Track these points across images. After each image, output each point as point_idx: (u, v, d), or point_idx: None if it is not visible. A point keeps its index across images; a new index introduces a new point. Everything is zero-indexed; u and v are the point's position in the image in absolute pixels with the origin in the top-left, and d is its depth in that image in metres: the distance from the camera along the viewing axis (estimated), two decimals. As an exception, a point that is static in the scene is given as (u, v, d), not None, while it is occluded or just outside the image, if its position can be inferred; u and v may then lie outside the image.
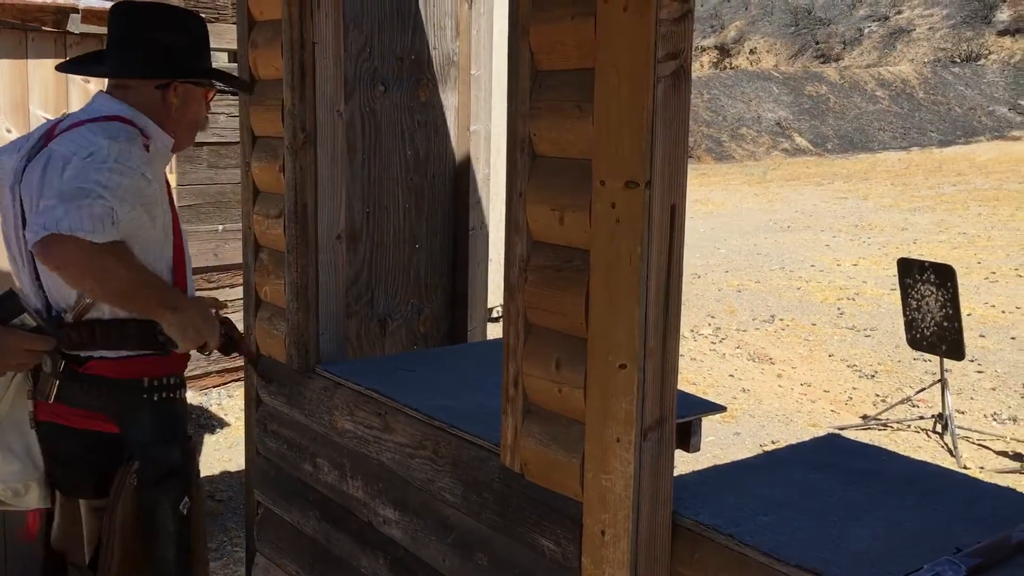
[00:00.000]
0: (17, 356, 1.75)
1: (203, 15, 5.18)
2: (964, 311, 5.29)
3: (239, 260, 4.79)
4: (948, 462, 4.99)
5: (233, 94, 2.31)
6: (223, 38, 5.40)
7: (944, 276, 5.15)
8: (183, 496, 2.07)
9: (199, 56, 2.14)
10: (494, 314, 6.24)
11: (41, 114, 3.39)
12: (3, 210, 2.08)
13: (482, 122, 3.39)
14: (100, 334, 1.97)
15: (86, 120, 2.00)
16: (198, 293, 5.59)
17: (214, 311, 2.14)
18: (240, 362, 5.60)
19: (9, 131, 3.40)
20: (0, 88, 3.37)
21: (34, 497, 2.13)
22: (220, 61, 5.62)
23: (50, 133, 2.03)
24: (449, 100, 3.31)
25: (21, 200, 2.01)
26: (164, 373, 2.07)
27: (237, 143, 4.52)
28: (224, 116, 5.43)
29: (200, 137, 5.65)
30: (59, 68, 2.34)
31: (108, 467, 2.03)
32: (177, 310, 1.99)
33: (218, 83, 2.24)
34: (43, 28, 3.43)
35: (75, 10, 3.41)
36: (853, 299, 8.55)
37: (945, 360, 5.30)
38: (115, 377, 2.02)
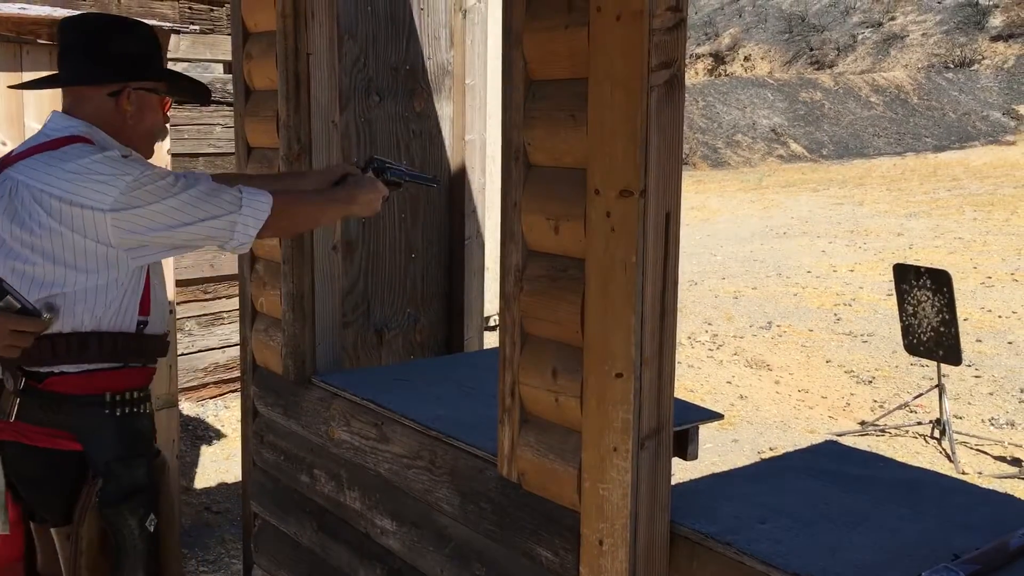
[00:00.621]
0: (3, 338, 1.71)
1: (198, 26, 5.19)
2: (961, 316, 5.30)
3: (235, 271, 4.79)
4: (946, 468, 4.99)
5: (191, 102, 2.28)
6: (218, 49, 5.40)
7: (940, 281, 5.16)
8: (149, 513, 2.01)
9: (151, 62, 2.10)
10: (491, 323, 6.23)
11: (35, 126, 3.38)
12: None
13: (477, 131, 3.39)
14: (60, 349, 1.92)
15: (44, 144, 1.95)
16: (195, 304, 5.53)
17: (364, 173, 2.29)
18: (236, 373, 5.59)
19: (4, 143, 3.40)
20: (-5, 101, 3.37)
21: None
22: (215, 73, 5.63)
23: (7, 158, 2.00)
24: (444, 110, 3.31)
25: None
26: (127, 387, 2.02)
27: (232, 154, 4.52)
28: (220, 127, 5.43)
29: (196, 148, 5.65)
30: (12, 87, 2.31)
31: (74, 487, 1.98)
32: (355, 201, 2.19)
33: (176, 92, 2.21)
34: (38, 41, 3.43)
35: (70, 23, 3.41)
36: (850, 305, 8.56)
37: (942, 365, 5.30)
38: (75, 393, 1.96)
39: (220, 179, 2.26)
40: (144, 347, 2.04)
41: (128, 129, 2.06)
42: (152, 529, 2.01)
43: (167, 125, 2.21)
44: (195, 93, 2.27)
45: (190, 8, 5.43)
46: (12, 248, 1.91)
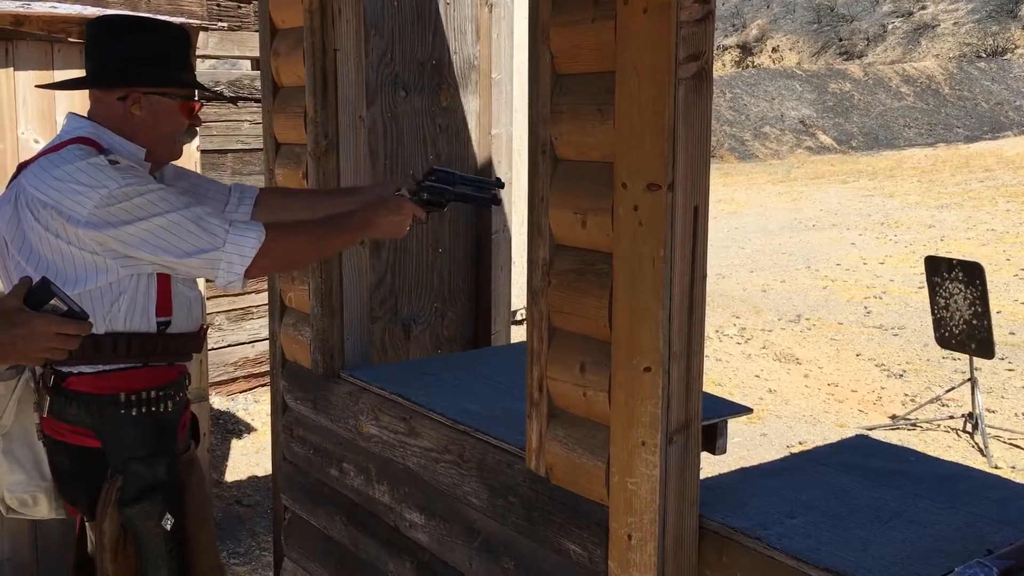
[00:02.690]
0: (47, 340, 1.73)
1: (225, 23, 5.23)
2: (993, 309, 5.23)
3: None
4: (979, 462, 4.93)
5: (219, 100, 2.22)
6: (245, 46, 5.44)
7: (973, 273, 5.10)
8: (166, 512, 2.00)
9: (165, 66, 2.03)
10: (517, 317, 6.24)
11: (68, 124, 3.43)
12: None
13: (503, 126, 3.39)
14: (76, 350, 1.85)
15: (52, 148, 1.95)
16: (225, 299, 5.58)
17: (395, 191, 2.19)
18: (266, 367, 5.64)
19: (36, 141, 3.44)
20: (27, 99, 3.42)
21: (43, 508, 2.11)
22: (243, 69, 5.68)
23: (25, 162, 2.00)
24: (470, 104, 3.31)
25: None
26: (145, 386, 2.01)
27: (260, 150, 4.55)
28: (247, 123, 5.47)
29: (224, 144, 5.69)
30: (39, 86, 2.30)
31: (97, 483, 1.99)
32: (371, 225, 2.08)
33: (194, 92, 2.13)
34: (68, 39, 3.47)
35: (100, 21, 3.45)
36: (880, 298, 8.47)
37: (975, 358, 5.24)
38: (92, 392, 1.97)
39: (272, 194, 2.25)
40: (168, 347, 2.03)
41: (143, 132, 2.02)
42: (168, 528, 1.99)
43: (194, 128, 2.14)
44: (221, 98, 2.23)
45: (218, 5, 5.47)
46: (14, 255, 1.92)
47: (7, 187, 1.98)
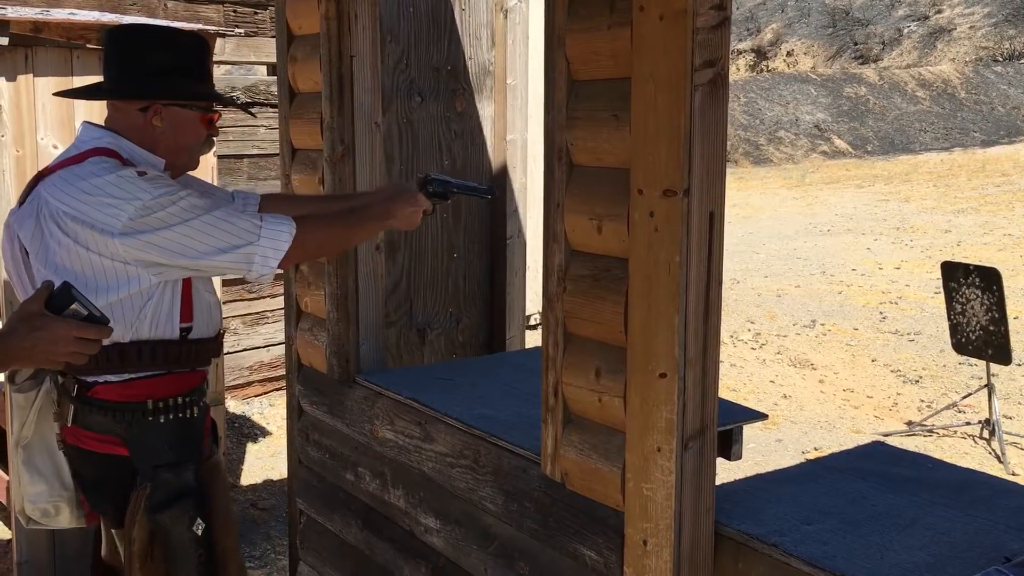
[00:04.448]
0: (68, 345, 1.73)
1: (242, 29, 5.26)
2: (1010, 314, 5.20)
3: (279, 271, 4.83)
4: (996, 469, 4.90)
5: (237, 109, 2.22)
6: (262, 52, 5.47)
7: (990, 279, 5.07)
8: (196, 517, 2.01)
9: (186, 78, 2.04)
10: (532, 322, 6.24)
11: (86, 130, 3.45)
12: (3, 249, 2.07)
13: (518, 131, 3.40)
14: (101, 359, 1.91)
15: (70, 159, 1.95)
16: (240, 303, 5.60)
17: (412, 183, 2.27)
18: (280, 371, 5.66)
19: (55, 147, 3.48)
20: (47, 105, 3.45)
21: (65, 518, 2.12)
22: (259, 75, 5.71)
23: (42, 172, 2.00)
24: (485, 110, 3.32)
25: (20, 238, 1.98)
26: (171, 393, 2.02)
27: (276, 155, 4.58)
28: (263, 128, 5.50)
29: (240, 150, 5.72)
30: (58, 94, 2.31)
31: (124, 491, 2.00)
32: (391, 216, 2.16)
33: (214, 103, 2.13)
34: (87, 46, 3.50)
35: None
36: (896, 303, 8.43)
37: (992, 364, 5.21)
38: (119, 400, 1.98)
39: (273, 200, 2.27)
40: (189, 353, 2.04)
41: (162, 143, 2.03)
42: (200, 533, 2.00)
43: (212, 139, 2.15)
44: (238, 108, 2.25)
45: (235, 11, 5.51)
46: (39, 268, 1.93)
47: (27, 199, 1.98)
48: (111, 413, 1.98)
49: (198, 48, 2.09)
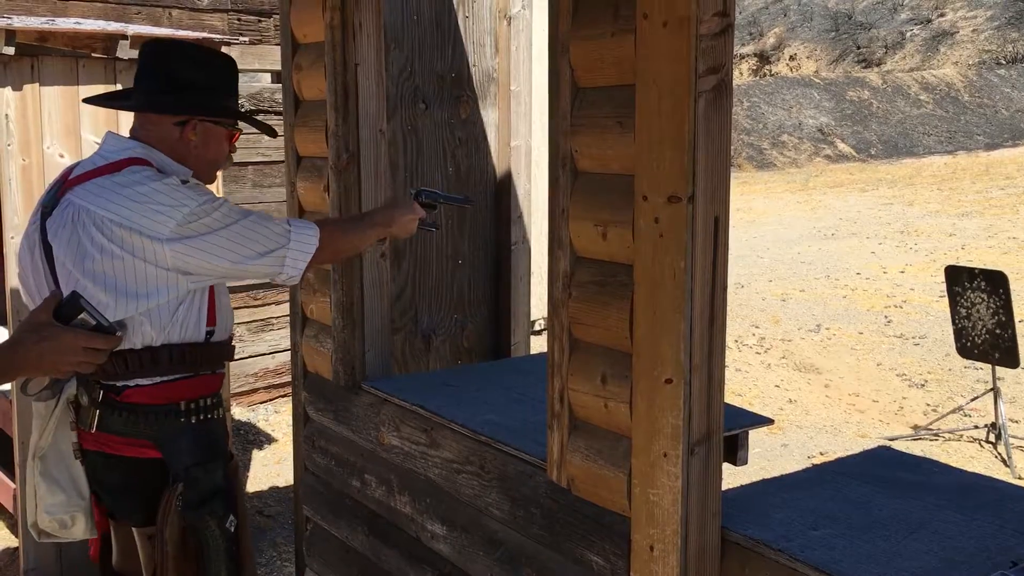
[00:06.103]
0: (76, 354, 1.75)
1: (247, 38, 5.28)
2: (1016, 317, 5.19)
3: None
4: (1002, 472, 4.89)
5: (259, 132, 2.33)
6: (267, 60, 5.49)
7: (996, 282, 5.06)
8: (229, 514, 2.08)
9: (221, 95, 2.12)
10: (537, 327, 6.24)
11: (92, 139, 3.47)
12: (21, 258, 2.10)
13: (522, 137, 3.41)
14: (133, 364, 1.97)
15: (103, 167, 1.98)
16: (246, 310, 5.62)
17: (409, 192, 2.43)
18: (285, 378, 5.67)
19: (62, 156, 3.49)
20: (52, 114, 3.46)
21: (80, 528, 2.15)
22: (263, 82, 5.72)
23: (64, 180, 2.03)
24: (489, 116, 3.33)
25: (44, 248, 1.99)
26: (200, 394, 2.08)
27: (281, 162, 4.59)
28: (268, 136, 5.50)
29: (246, 157, 5.74)
30: (87, 100, 2.34)
31: (154, 492, 2.04)
32: (393, 222, 2.27)
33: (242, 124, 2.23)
34: (93, 55, 3.51)
35: (124, 37, 3.48)
36: (901, 307, 8.42)
37: (997, 368, 5.20)
38: (151, 403, 2.02)
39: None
40: (212, 355, 2.09)
41: (192, 157, 2.10)
42: (232, 529, 2.07)
43: (231, 155, 2.25)
44: (262, 130, 2.31)
45: (239, 19, 5.53)
46: (74, 275, 1.94)
47: (54, 208, 1.99)
48: (143, 416, 2.02)
49: (229, 67, 2.17)
